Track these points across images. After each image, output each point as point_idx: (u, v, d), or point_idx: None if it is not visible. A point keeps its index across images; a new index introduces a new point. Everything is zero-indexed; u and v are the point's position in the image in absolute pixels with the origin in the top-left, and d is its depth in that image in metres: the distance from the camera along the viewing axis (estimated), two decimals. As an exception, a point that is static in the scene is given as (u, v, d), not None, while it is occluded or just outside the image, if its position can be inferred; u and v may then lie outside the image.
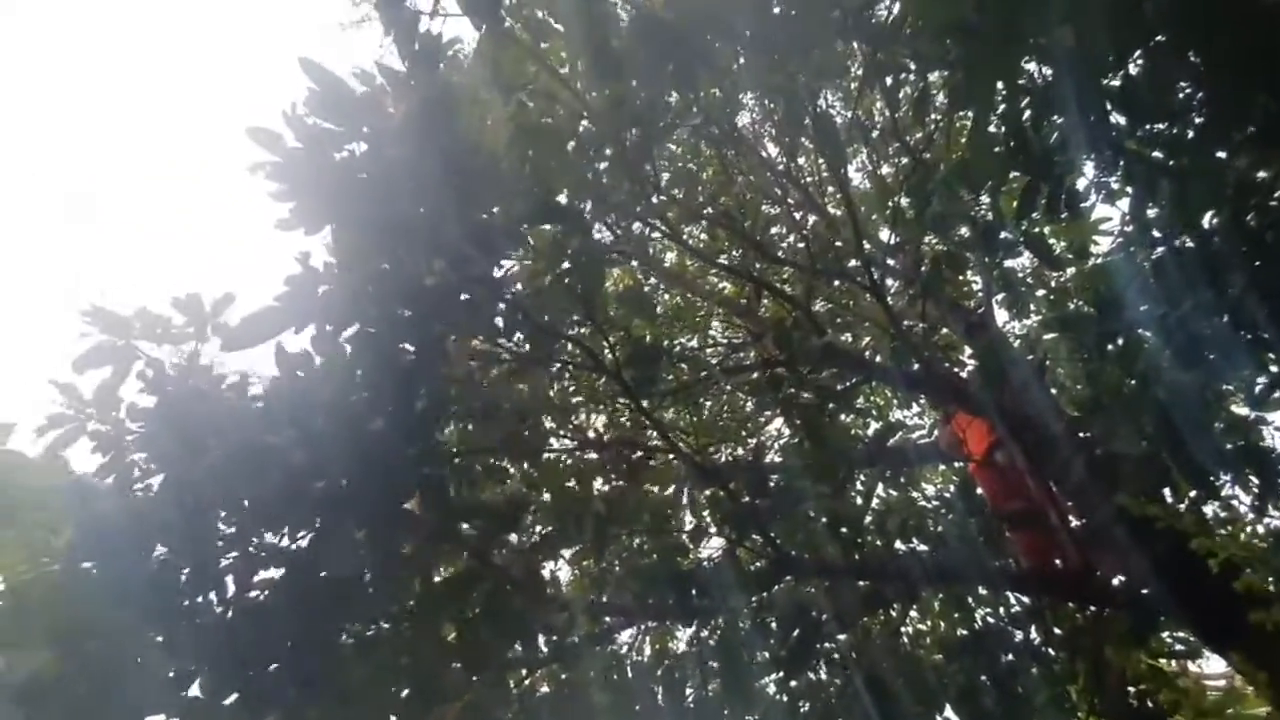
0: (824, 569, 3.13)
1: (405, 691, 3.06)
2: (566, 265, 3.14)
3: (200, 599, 2.80)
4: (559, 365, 3.75)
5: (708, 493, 3.94)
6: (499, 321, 3.32)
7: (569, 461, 3.78)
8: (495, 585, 3.17)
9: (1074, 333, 2.84)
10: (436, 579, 3.12)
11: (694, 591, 3.21)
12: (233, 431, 2.93)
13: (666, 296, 6.02)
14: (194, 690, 2.62)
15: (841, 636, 3.26)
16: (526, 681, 3.19)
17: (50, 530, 3.99)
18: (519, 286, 3.37)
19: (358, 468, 2.93)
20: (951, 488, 4.13)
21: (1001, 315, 4.38)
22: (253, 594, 2.87)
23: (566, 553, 3.71)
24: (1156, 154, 2.10)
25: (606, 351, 3.25)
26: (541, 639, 3.21)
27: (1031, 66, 2.37)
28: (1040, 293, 4.45)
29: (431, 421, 3.08)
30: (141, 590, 2.69)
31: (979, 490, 3.80)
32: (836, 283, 4.75)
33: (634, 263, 5.40)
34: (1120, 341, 2.46)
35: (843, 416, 4.75)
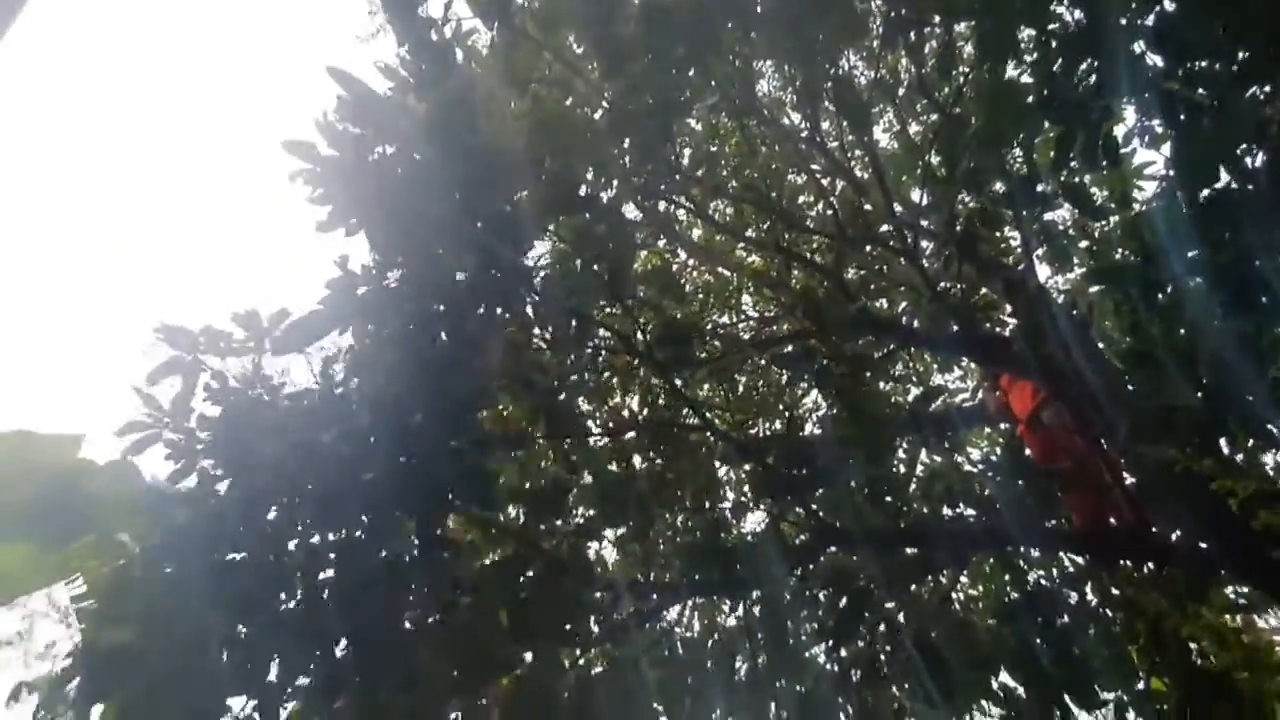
0: (869, 537, 3.12)
1: (465, 672, 3.18)
2: (594, 250, 3.16)
3: (271, 593, 2.95)
4: (591, 349, 3.78)
5: (747, 468, 3.95)
6: (530, 310, 3.37)
7: (607, 443, 3.82)
8: (543, 568, 3.25)
9: (1118, 284, 2.74)
10: (486, 563, 3.21)
11: (738, 566, 3.24)
12: (289, 433, 3.06)
13: (695, 274, 5.99)
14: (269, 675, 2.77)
15: (890, 605, 3.25)
16: (581, 660, 3.27)
17: (124, 533, 4.22)
18: (548, 274, 3.41)
19: (403, 460, 3.03)
20: (998, 451, 4.05)
21: (1043, 271, 4.25)
22: (318, 588, 3.00)
23: (611, 534, 3.76)
24: (1200, 92, 2.00)
25: (638, 333, 3.27)
26: (591, 619, 3.28)
27: (1061, 9, 2.28)
28: (1083, 244, 4.29)
29: (471, 412, 3.15)
30: (217, 587, 2.84)
31: (1027, 452, 3.72)
32: (868, 249, 4.66)
33: (661, 242, 5.38)
34: (1168, 290, 2.37)
35: (881, 384, 4.68)
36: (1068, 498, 3.44)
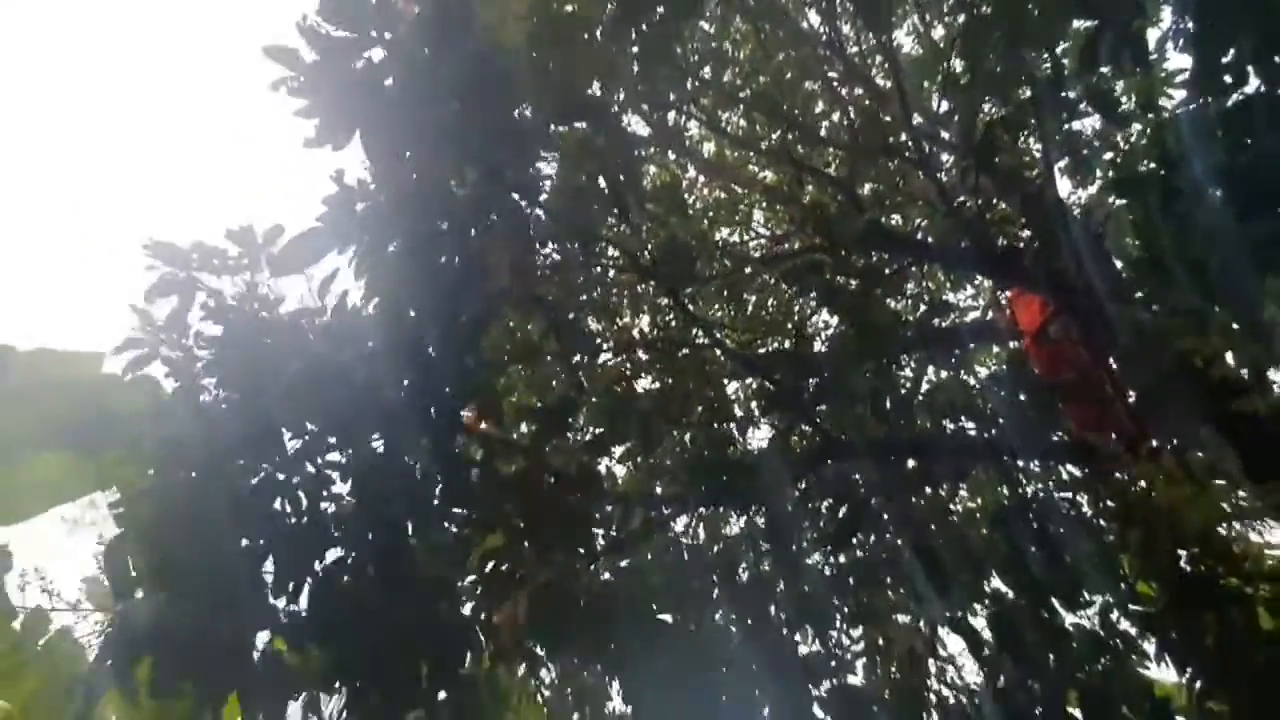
0: (871, 449, 3.19)
1: (483, 583, 3.34)
2: (598, 164, 3.08)
3: (276, 509, 3.01)
4: (598, 268, 3.76)
5: (753, 385, 4.00)
6: (535, 229, 3.32)
7: (616, 360, 3.86)
8: (554, 482, 3.36)
9: (1138, 194, 2.66)
10: (499, 478, 3.32)
11: (743, 478, 3.34)
12: (295, 356, 3.08)
13: (706, 191, 5.85)
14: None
15: (888, 514, 3.36)
16: (593, 569, 3.43)
17: (149, 446, 4.32)
18: (554, 189, 3.35)
19: (414, 380, 3.08)
20: (1004, 367, 4.05)
21: (1064, 186, 4.11)
22: (323, 506, 3.08)
23: (618, 450, 3.86)
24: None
25: (645, 250, 3.23)
26: (600, 531, 3.42)
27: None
28: (1107, 156, 4.13)
29: (478, 332, 3.18)
30: (225, 504, 2.90)
31: (1034, 367, 3.73)
32: (883, 161, 4.51)
33: (671, 156, 5.22)
34: (1186, 199, 2.30)
35: (890, 302, 4.65)
36: (1069, 409, 3.47)
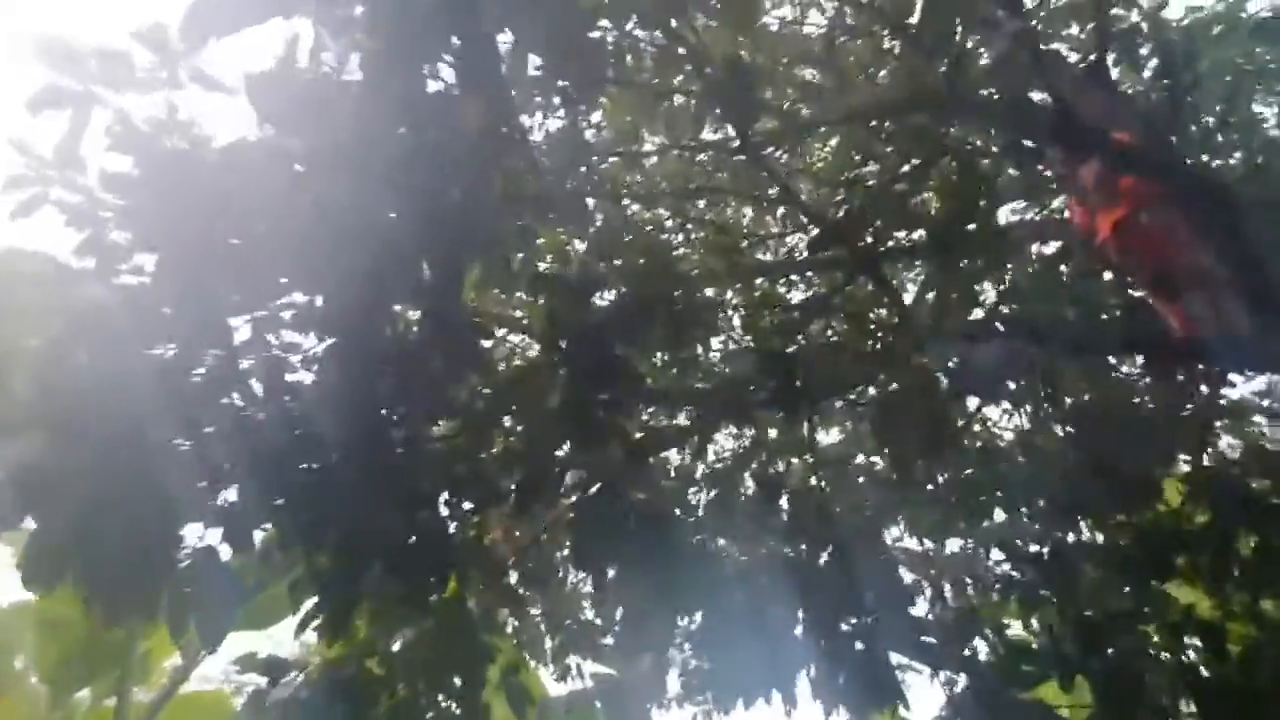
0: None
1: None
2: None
3: (224, 401, 2.25)
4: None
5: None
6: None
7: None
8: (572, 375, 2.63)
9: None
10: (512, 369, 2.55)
11: (807, 376, 2.75)
12: (233, 197, 2.19)
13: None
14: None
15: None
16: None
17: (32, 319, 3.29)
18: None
19: (400, 224, 2.24)
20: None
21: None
22: (285, 398, 2.31)
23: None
24: None
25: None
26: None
27: None
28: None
29: (489, 165, 2.32)
30: (147, 391, 2.13)
31: (1118, 259, 3.29)
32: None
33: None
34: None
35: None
36: (1165, 303, 3.04)
